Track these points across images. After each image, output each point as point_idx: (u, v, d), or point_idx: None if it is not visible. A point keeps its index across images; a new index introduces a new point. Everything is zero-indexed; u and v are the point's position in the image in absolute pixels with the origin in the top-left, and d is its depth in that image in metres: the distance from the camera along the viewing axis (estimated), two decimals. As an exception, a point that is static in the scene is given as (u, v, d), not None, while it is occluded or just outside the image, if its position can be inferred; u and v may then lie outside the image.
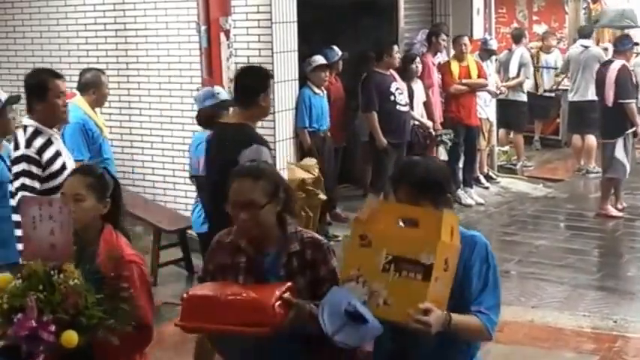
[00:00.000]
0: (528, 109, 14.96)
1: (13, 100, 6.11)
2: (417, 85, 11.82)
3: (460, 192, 12.32)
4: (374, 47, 11.41)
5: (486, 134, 13.49)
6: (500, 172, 14.21)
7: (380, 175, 10.93)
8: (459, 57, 12.41)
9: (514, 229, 11.33)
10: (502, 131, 14.90)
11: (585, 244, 10.83)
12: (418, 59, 11.88)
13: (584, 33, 15.19)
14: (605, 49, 15.47)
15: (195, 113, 8.12)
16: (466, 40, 12.58)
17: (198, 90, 8.92)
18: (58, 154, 6.04)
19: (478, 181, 13.10)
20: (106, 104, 8.88)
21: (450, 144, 12.06)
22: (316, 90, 10.69)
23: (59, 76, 6.23)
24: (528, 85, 15.18)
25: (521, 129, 14.94)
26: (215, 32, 9.37)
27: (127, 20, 10.76)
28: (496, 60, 14.24)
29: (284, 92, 10.10)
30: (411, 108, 11.44)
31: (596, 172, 14.18)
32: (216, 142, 6.54)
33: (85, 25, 11.04)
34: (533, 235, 10.96)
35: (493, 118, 13.78)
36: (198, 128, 8.09)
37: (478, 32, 13.76)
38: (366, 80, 11.12)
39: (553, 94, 16.35)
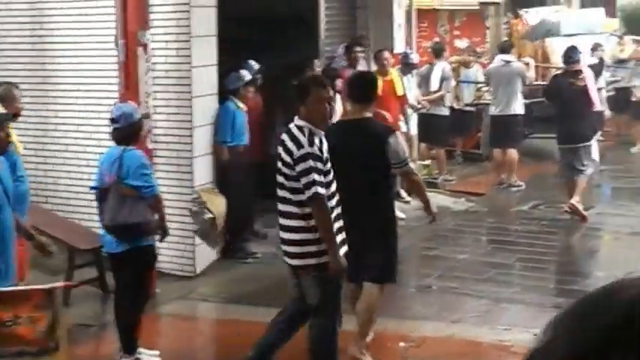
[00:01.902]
0: (450, 123, 15.02)
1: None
2: (335, 99, 11.76)
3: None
4: (295, 61, 11.35)
5: (407, 148, 13.50)
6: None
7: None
8: (382, 71, 12.40)
9: (435, 244, 11.34)
10: (423, 145, 14.94)
11: (506, 257, 10.88)
12: (336, 73, 11.84)
13: (503, 48, 15.32)
14: (527, 64, 15.64)
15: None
16: (387, 54, 12.58)
17: (115, 104, 8.74)
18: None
19: (399, 196, 13.09)
20: (21, 119, 8.66)
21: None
22: (240, 105, 10.59)
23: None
24: (449, 99, 15.26)
25: (442, 143, 15.01)
26: (133, 46, 9.23)
27: (44, 33, 10.57)
28: (417, 74, 14.28)
29: (203, 107, 9.99)
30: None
31: (517, 186, 14.32)
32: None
33: (0, 37, 10.81)
34: (454, 250, 10.99)
35: (414, 132, 13.80)
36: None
37: (399, 46, 13.80)
38: (287, 95, 11.02)
39: (474, 109, 16.48)
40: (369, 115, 7.47)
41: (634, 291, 1.04)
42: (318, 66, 11.24)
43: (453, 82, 15.53)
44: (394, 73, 12.56)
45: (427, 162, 15.15)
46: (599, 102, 13.92)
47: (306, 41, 12.60)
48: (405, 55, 13.54)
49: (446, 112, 14.82)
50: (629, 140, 18.76)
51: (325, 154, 6.46)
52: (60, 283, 8.15)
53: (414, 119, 13.68)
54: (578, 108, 12.30)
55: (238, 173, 10.39)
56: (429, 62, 15.27)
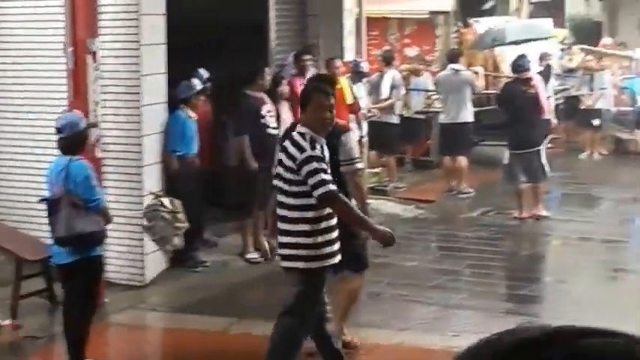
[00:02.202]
0: (400, 131, 15.09)
1: None
2: (284, 107, 11.80)
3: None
4: (245, 69, 11.33)
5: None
6: (372, 194, 14.25)
7: (250, 199, 10.86)
8: (332, 79, 12.45)
9: (384, 251, 11.18)
10: (373, 153, 14.98)
11: (455, 264, 10.96)
12: (285, 81, 11.85)
13: (452, 57, 15.43)
14: (476, 73, 15.78)
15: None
16: (338, 62, 12.63)
17: (61, 114, 8.67)
18: None
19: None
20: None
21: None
22: (191, 114, 10.56)
23: None
24: (399, 107, 15.33)
25: (392, 151, 15.08)
26: (82, 54, 9.17)
27: (-9, 39, 10.46)
28: (367, 82, 14.34)
29: (152, 116, 9.95)
30: (279, 130, 11.40)
31: (467, 193, 14.43)
32: None
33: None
34: (403, 257, 10.99)
35: (364, 139, 13.84)
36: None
37: (349, 54, 13.85)
38: (237, 103, 11.03)
39: (424, 116, 16.58)
40: None
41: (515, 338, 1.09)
42: (268, 74, 11.24)
43: (403, 90, 15.61)
44: (344, 81, 12.58)
45: (377, 170, 15.19)
46: (548, 109, 14.17)
47: (256, 49, 12.59)
48: (356, 64, 13.60)
49: (396, 120, 14.89)
50: (577, 147, 19.02)
51: (327, 159, 6.54)
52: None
53: (364, 127, 13.72)
54: (530, 115, 12.66)
55: (188, 182, 10.36)
56: (379, 70, 15.32)
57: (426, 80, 17.14)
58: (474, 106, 15.22)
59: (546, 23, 21.69)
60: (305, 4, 13.58)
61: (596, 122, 18.50)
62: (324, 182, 6.35)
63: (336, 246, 6.65)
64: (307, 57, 12.56)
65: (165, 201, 9.73)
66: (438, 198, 14.52)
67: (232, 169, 11.12)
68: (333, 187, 6.38)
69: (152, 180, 9.94)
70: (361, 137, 13.35)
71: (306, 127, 6.61)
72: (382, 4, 18.54)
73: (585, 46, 21.71)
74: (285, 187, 6.57)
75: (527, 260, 11.72)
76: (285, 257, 6.70)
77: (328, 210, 6.53)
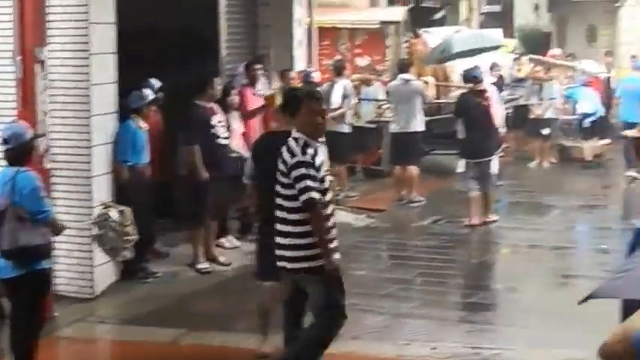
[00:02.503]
0: (351, 140, 15.12)
1: None
2: (234, 117, 11.78)
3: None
4: (196, 79, 11.29)
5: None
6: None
7: (201, 208, 10.82)
8: (285, 90, 12.46)
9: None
10: (325, 162, 14.98)
11: (406, 272, 10.99)
12: (235, 91, 11.84)
13: (402, 67, 15.51)
14: (426, 83, 15.88)
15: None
16: (293, 74, 12.70)
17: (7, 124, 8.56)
18: None
19: None
20: None
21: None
22: (142, 124, 10.50)
23: None
24: (350, 116, 15.36)
25: (343, 160, 15.08)
26: (30, 63, 9.07)
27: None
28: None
29: (102, 125, 9.87)
30: (229, 140, 11.37)
31: (417, 202, 14.51)
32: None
33: None
34: (354, 266, 10.97)
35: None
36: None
37: (300, 64, 13.86)
38: (187, 113, 10.99)
39: (375, 126, 16.64)
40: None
41: None
42: (218, 84, 11.21)
43: (354, 100, 15.66)
44: (296, 92, 12.59)
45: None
46: (499, 119, 14.36)
47: (207, 59, 12.55)
48: (307, 74, 13.61)
49: (347, 129, 14.92)
50: (527, 156, 19.21)
51: (318, 164, 6.69)
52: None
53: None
54: (484, 125, 13.00)
55: (139, 192, 10.29)
56: (330, 80, 15.36)
57: (376, 90, 17.23)
58: (425, 116, 15.31)
59: (496, 33, 21.92)
60: (256, 15, 13.57)
61: (545, 131, 18.72)
62: (307, 189, 6.54)
63: (336, 242, 6.83)
64: (258, 67, 12.56)
65: (114, 213, 9.67)
66: (389, 207, 14.56)
67: (183, 179, 11.06)
68: (314, 194, 6.54)
69: (102, 191, 9.85)
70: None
71: (300, 132, 6.79)
72: (333, 14, 18.59)
73: (533, 56, 21.97)
74: (282, 190, 6.76)
75: (477, 268, 11.78)
76: (287, 259, 6.81)
77: (327, 212, 6.72)
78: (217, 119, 10.99)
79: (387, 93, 15.56)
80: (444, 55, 18.36)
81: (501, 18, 32.90)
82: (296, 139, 6.77)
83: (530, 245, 12.32)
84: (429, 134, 15.66)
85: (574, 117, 19.64)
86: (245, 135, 11.94)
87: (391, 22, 19.27)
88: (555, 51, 22.89)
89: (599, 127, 19.74)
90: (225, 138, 11.08)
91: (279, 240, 6.84)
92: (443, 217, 13.66)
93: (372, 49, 19.02)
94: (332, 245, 6.74)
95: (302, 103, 6.89)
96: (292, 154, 6.67)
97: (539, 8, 31.56)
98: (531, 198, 15.83)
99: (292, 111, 6.97)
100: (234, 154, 11.53)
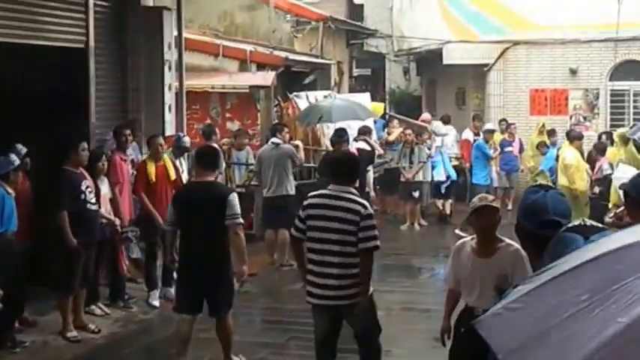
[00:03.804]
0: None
1: None
2: (103, 183, 11.65)
3: (151, 293, 12.24)
4: (64, 143, 11.11)
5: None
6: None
7: (71, 276, 10.62)
8: (155, 157, 12.35)
9: (207, 325, 11.22)
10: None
11: (278, 337, 10.98)
12: (104, 157, 11.71)
13: (274, 131, 15.62)
14: (297, 146, 16.01)
15: None
16: (161, 140, 12.57)
17: None
18: None
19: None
20: None
21: (134, 241, 11.97)
22: (9, 190, 10.26)
23: None
24: (220, 180, 15.32)
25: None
26: None
27: None
28: (189, 156, 14.29)
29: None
30: (98, 206, 11.24)
31: (289, 266, 14.52)
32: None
33: None
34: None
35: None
36: None
37: (170, 129, 13.82)
38: (56, 178, 10.80)
39: (245, 190, 16.67)
40: (211, 178, 9.42)
41: None
42: (84, 149, 10.99)
43: (223, 165, 15.65)
44: (166, 158, 12.52)
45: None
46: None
47: (76, 124, 12.38)
48: (178, 138, 13.55)
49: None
50: (398, 219, 19.50)
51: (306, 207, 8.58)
52: None
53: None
54: None
55: (7, 261, 10.00)
56: (201, 145, 15.30)
57: (247, 154, 17.29)
58: (296, 179, 15.41)
59: (365, 98, 22.30)
60: (126, 79, 13.51)
61: (416, 194, 19.07)
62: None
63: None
64: (128, 132, 12.47)
65: None
66: (261, 271, 14.54)
67: (52, 245, 10.83)
68: (293, 231, 8.62)
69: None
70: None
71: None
72: (203, 78, 18.63)
73: (402, 117, 22.46)
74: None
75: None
76: (341, 297, 8.31)
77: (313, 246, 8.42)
78: (86, 185, 10.85)
79: (258, 158, 15.60)
80: (323, 120, 18.59)
81: (372, 81, 33.50)
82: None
83: (403, 308, 12.46)
84: (300, 198, 15.72)
85: (442, 179, 20.05)
86: (112, 201, 11.80)
87: (261, 87, 19.40)
88: (426, 116, 23.31)
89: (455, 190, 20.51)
90: (94, 204, 10.94)
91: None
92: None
93: (242, 113, 19.08)
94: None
95: None
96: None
97: (408, 72, 32.23)
98: (403, 260, 16.03)
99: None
100: (103, 220, 11.40)
